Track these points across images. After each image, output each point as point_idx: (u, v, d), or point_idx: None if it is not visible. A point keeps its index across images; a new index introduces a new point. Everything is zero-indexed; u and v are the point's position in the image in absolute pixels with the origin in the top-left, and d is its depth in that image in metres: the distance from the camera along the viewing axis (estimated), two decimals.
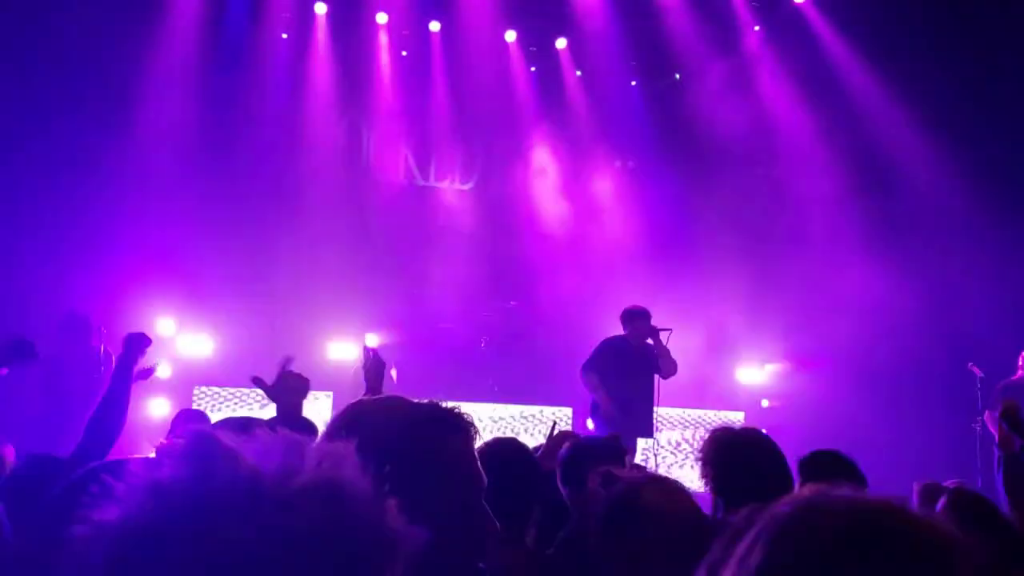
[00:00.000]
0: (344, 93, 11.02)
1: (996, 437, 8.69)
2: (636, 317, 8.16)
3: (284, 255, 10.03)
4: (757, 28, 11.18)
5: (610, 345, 8.20)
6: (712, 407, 10.71)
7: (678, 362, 8.28)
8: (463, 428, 1.58)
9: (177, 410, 6.88)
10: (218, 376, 9.66)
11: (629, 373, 8.01)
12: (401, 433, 1.52)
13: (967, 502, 3.47)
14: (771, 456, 3.54)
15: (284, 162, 10.58)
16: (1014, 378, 8.89)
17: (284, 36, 10.91)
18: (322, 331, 10.03)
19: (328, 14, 10.86)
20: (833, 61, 10.84)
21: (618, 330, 8.33)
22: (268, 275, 9.93)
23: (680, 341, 8.55)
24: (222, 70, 10.21)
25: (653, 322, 8.16)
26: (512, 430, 10.10)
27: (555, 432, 4.05)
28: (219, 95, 10.14)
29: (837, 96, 10.74)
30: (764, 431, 10.08)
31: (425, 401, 1.62)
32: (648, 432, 8.19)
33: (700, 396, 10.53)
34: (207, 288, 9.56)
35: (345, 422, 1.55)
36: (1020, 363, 8.94)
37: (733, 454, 3.44)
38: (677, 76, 11.52)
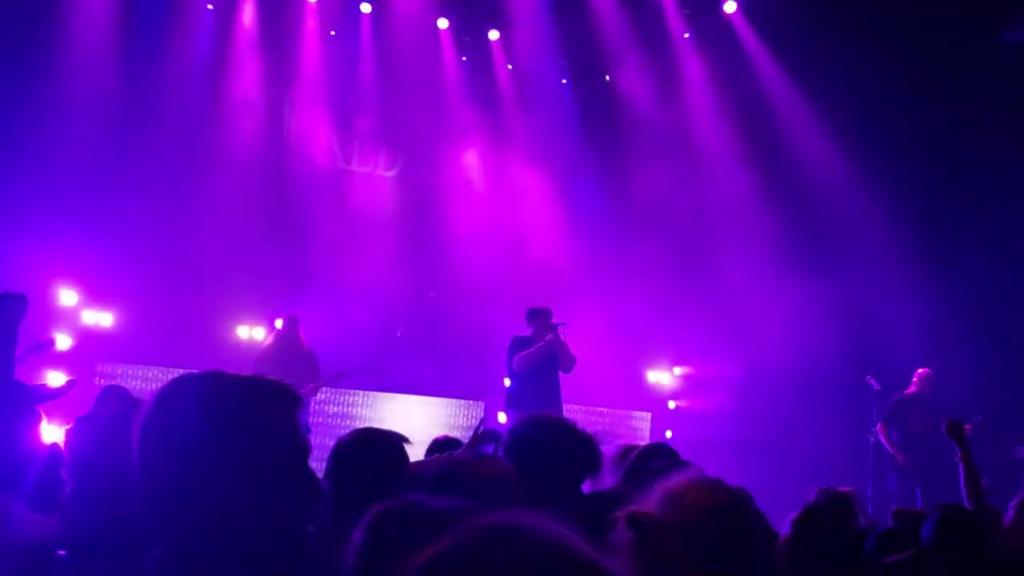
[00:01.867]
0: (269, 69, 10.77)
1: (887, 448, 9.09)
2: (537, 315, 8.32)
3: (198, 231, 9.77)
4: (687, 35, 11.32)
5: (515, 345, 8.35)
6: (621, 407, 10.83)
7: (593, 359, 8.37)
8: (283, 397, 1.62)
9: (76, 385, 6.76)
10: (122, 352, 9.36)
11: (535, 371, 8.13)
12: (219, 405, 1.56)
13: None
14: None
15: (203, 135, 10.29)
16: (907, 392, 9.27)
17: (210, 7, 10.62)
18: (231, 311, 9.79)
19: None
20: (758, 72, 11.05)
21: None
22: (180, 250, 9.66)
23: (595, 339, 8.61)
24: (143, 39, 9.89)
25: (555, 318, 8.31)
26: (423, 424, 10.06)
27: (480, 431, 4.02)
28: (138, 66, 9.81)
29: (760, 106, 10.95)
30: (669, 433, 10.10)
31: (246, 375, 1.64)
32: None
33: (610, 395, 10.64)
34: (115, 261, 9.26)
35: (165, 395, 1.59)
36: (914, 379, 9.32)
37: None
38: (607, 77, 11.58)
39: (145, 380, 9.17)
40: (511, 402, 8.17)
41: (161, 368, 9.16)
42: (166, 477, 1.48)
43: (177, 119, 9.97)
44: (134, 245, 9.28)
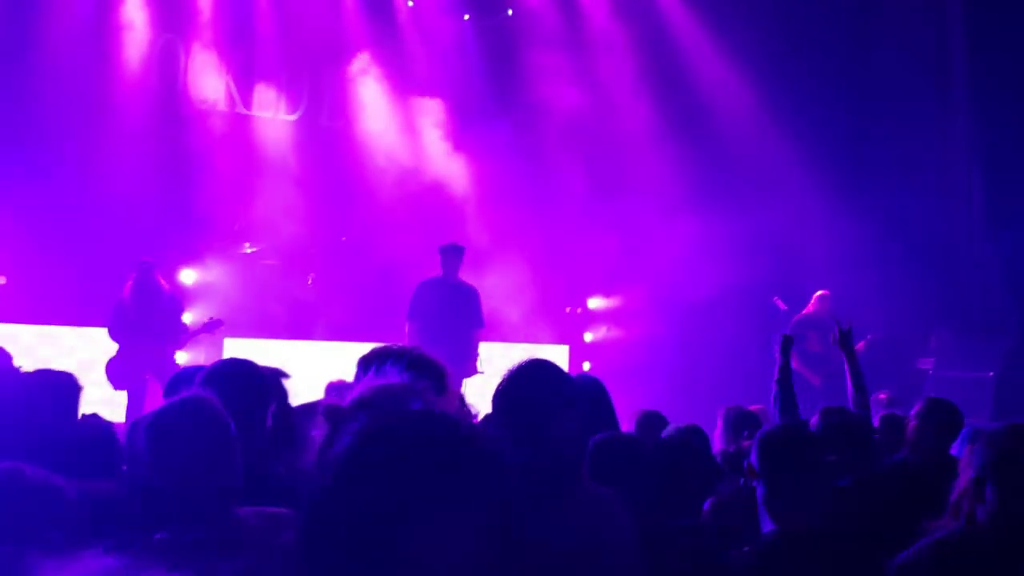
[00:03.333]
0: (160, 11, 10.28)
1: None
2: (446, 253, 8.21)
3: (93, 181, 9.37)
4: None
5: (422, 287, 8.28)
6: (538, 340, 10.89)
7: (507, 294, 8.37)
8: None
9: None
10: (10, 311, 8.96)
11: (443, 312, 8.08)
12: None
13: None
14: None
15: (93, 81, 9.79)
16: (804, 313, 9.58)
17: None
18: (129, 264, 9.40)
19: None
20: (661, 4, 11.04)
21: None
22: (73, 201, 9.25)
23: (508, 274, 8.60)
24: None
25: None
26: (343, 370, 9.95)
27: None
28: (17, 7, 9.26)
29: (664, 38, 10.96)
30: (587, 365, 10.17)
31: None
32: (471, 370, 8.25)
33: (525, 329, 10.68)
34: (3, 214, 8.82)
35: None
36: (812, 300, 9.62)
37: None
38: (510, 12, 11.42)
39: (42, 337, 8.85)
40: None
41: (56, 326, 8.90)
42: None
43: (65, 64, 9.45)
44: (20, 195, 8.84)
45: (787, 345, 5.00)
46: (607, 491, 2.55)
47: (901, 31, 10.39)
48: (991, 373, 9.19)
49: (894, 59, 10.51)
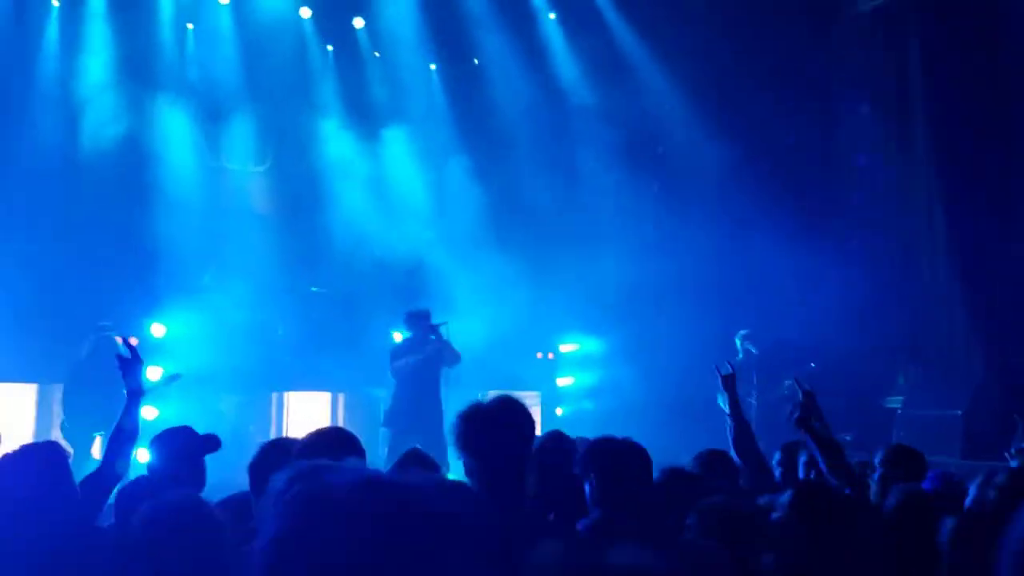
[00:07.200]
0: (125, 67, 10.30)
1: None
2: (416, 318, 8.28)
3: (56, 238, 9.30)
4: (552, 16, 11.41)
5: (394, 354, 8.31)
6: (509, 387, 10.84)
7: (477, 343, 8.39)
8: None
9: None
10: None
11: (414, 380, 8.07)
12: None
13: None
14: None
15: (54, 136, 9.75)
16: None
17: (56, 3, 10.11)
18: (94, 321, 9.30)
19: None
20: (621, 43, 11.23)
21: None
22: (36, 259, 9.17)
23: (476, 323, 8.61)
24: None
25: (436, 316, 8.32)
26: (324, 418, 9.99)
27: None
28: None
29: (623, 77, 11.11)
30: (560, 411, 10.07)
31: None
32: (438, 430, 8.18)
33: (497, 377, 10.63)
34: None
35: None
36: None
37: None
38: (476, 61, 11.56)
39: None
40: (388, 419, 8.17)
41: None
42: None
43: (25, 120, 9.43)
44: None
45: (727, 381, 5.06)
46: None
47: (863, 77, 10.68)
48: (959, 411, 9.25)
49: (857, 104, 10.77)
